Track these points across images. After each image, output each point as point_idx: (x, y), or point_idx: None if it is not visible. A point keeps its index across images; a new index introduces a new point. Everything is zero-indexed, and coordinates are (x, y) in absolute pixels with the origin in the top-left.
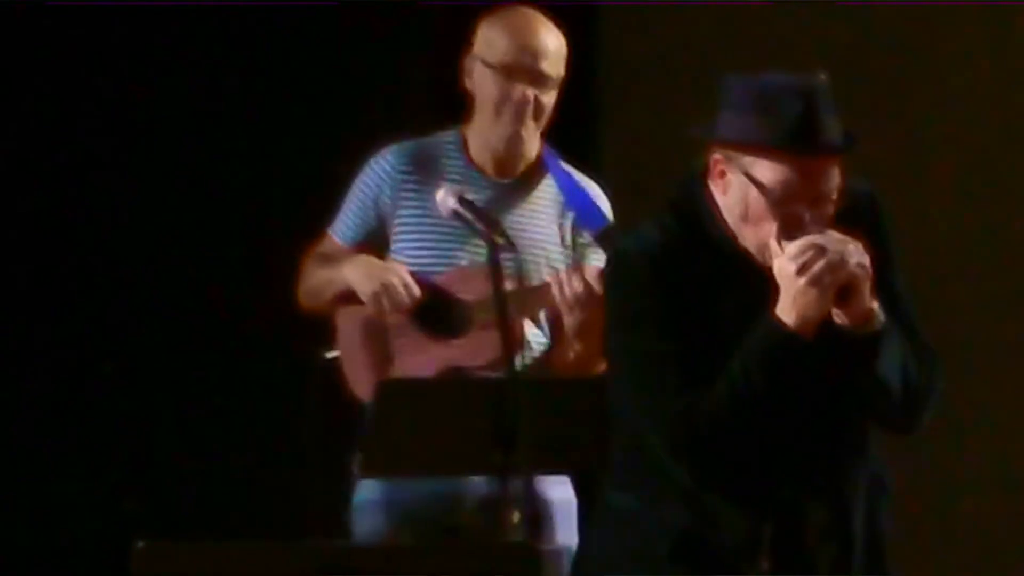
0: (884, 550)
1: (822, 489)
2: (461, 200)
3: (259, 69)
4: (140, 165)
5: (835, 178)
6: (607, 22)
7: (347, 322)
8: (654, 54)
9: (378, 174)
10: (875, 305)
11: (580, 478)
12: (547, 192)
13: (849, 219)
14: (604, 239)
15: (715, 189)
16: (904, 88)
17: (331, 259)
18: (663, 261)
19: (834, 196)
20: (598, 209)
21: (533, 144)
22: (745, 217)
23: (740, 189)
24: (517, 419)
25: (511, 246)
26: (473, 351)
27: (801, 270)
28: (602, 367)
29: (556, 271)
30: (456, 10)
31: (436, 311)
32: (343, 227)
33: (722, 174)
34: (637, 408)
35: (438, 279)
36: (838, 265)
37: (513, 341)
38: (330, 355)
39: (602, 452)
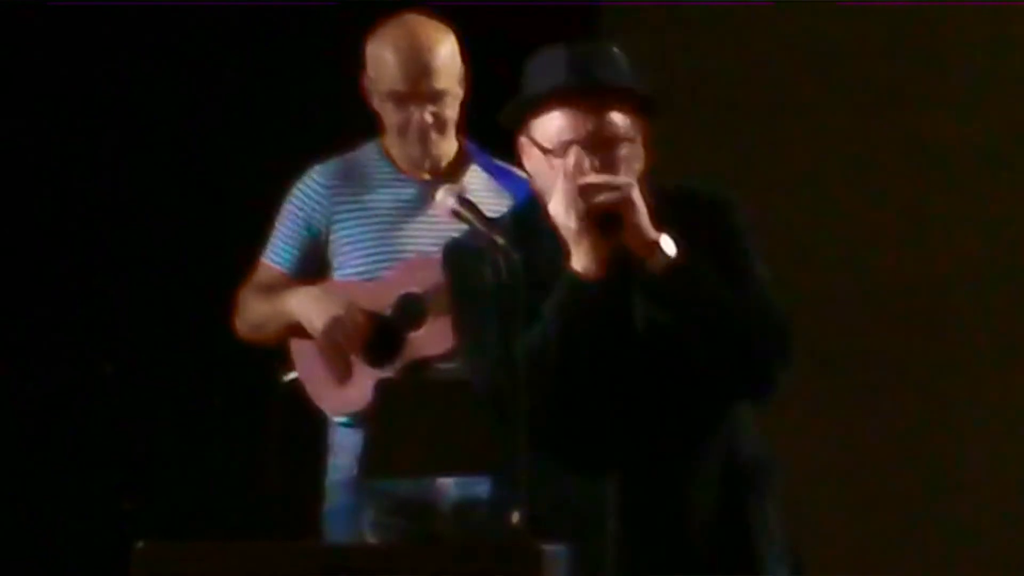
0: (753, 543)
1: (647, 468)
2: (461, 200)
3: (261, 69)
4: (141, 165)
5: (619, 123)
6: (607, 22)
7: (301, 344)
8: (654, 54)
9: (308, 195)
10: (663, 240)
11: None
12: (477, 180)
13: (677, 218)
14: None
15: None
16: (904, 88)
17: (272, 290)
18: (487, 246)
19: (623, 141)
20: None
21: (448, 145)
22: (542, 188)
23: (532, 161)
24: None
25: (511, 247)
26: (432, 341)
27: (562, 205)
28: None
29: None
30: (457, 10)
31: (382, 342)
32: (279, 254)
33: (525, 159)
34: (469, 367)
35: (387, 276)
36: (600, 188)
37: None
38: (288, 377)
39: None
